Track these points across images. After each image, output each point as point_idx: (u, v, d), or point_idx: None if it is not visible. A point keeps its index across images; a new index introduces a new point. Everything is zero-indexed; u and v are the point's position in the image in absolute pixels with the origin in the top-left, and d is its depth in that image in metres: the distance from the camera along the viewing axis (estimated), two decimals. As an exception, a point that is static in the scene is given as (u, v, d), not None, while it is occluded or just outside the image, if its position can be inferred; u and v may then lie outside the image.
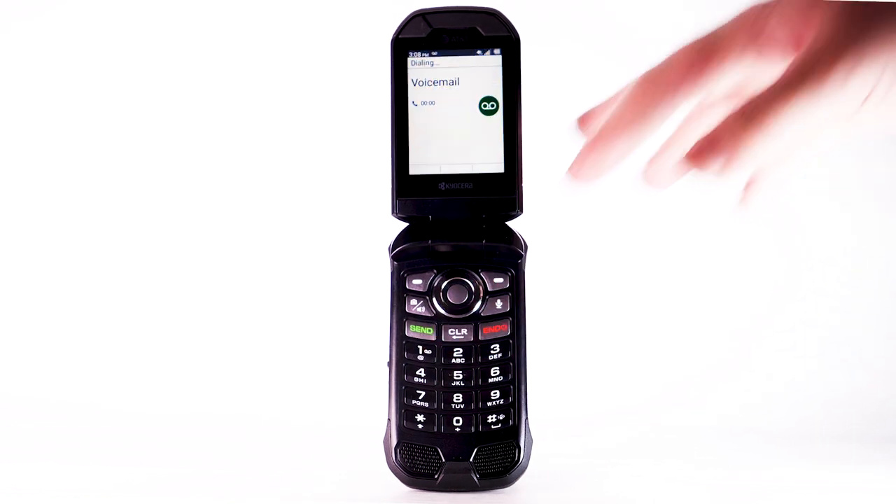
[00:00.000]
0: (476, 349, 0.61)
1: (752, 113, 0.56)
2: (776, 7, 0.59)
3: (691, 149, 0.58)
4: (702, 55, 0.61)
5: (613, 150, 0.61)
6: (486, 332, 0.61)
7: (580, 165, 0.63)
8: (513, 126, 0.62)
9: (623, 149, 0.61)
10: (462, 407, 0.61)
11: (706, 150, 0.57)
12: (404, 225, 0.63)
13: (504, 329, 0.61)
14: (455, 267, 0.61)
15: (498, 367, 0.61)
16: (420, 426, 0.61)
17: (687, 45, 0.62)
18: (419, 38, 0.62)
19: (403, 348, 0.61)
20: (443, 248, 0.62)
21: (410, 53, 0.62)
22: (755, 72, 0.61)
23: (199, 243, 1.02)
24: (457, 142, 0.62)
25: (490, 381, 0.61)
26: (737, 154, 0.56)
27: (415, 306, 0.61)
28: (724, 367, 0.99)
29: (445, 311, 0.61)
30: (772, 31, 0.59)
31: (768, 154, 0.57)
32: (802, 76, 0.55)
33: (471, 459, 0.60)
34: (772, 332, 1.00)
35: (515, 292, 0.61)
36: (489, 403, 0.61)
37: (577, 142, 0.64)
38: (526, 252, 0.62)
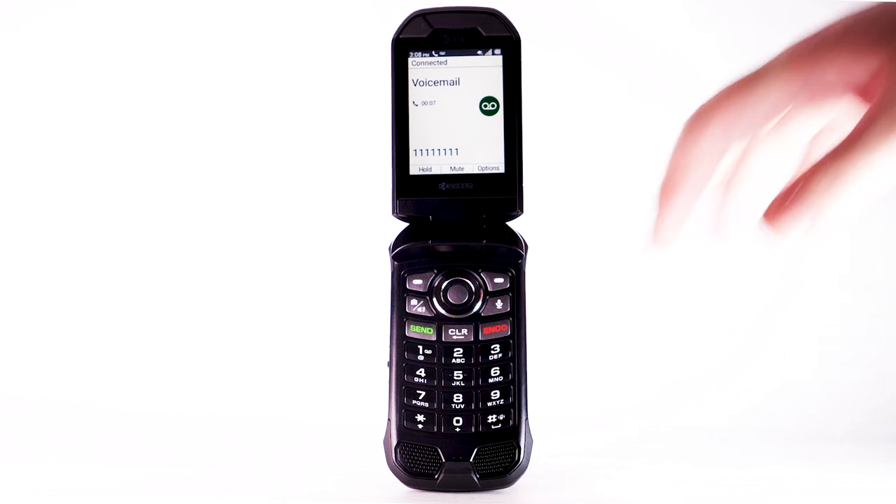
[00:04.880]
0: (476, 349, 0.61)
1: (838, 170, 0.52)
2: (833, 56, 0.54)
3: (768, 208, 0.54)
4: (744, 89, 0.56)
5: (682, 206, 0.57)
6: (486, 333, 0.61)
7: (658, 230, 0.60)
8: (513, 126, 0.62)
9: (690, 201, 0.57)
10: (462, 407, 0.61)
11: (787, 211, 0.53)
12: (405, 225, 0.63)
13: (504, 329, 0.61)
14: (455, 267, 0.61)
15: (498, 368, 0.61)
16: (420, 426, 0.61)
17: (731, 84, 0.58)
18: (420, 38, 0.62)
19: (404, 348, 0.61)
20: (443, 248, 0.62)
21: (411, 53, 0.62)
22: (811, 117, 0.57)
23: (200, 243, 1.02)
24: (457, 142, 0.62)
25: (490, 381, 0.61)
26: (823, 217, 0.52)
27: (415, 306, 0.62)
28: (724, 367, 0.99)
29: (446, 311, 0.61)
30: (829, 81, 0.54)
31: (853, 212, 0.53)
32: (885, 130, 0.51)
33: (471, 459, 0.60)
34: (772, 332, 1.00)
35: (516, 292, 0.61)
36: (489, 403, 0.61)
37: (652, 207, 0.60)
38: (526, 252, 0.62)
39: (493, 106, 0.62)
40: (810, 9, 1.03)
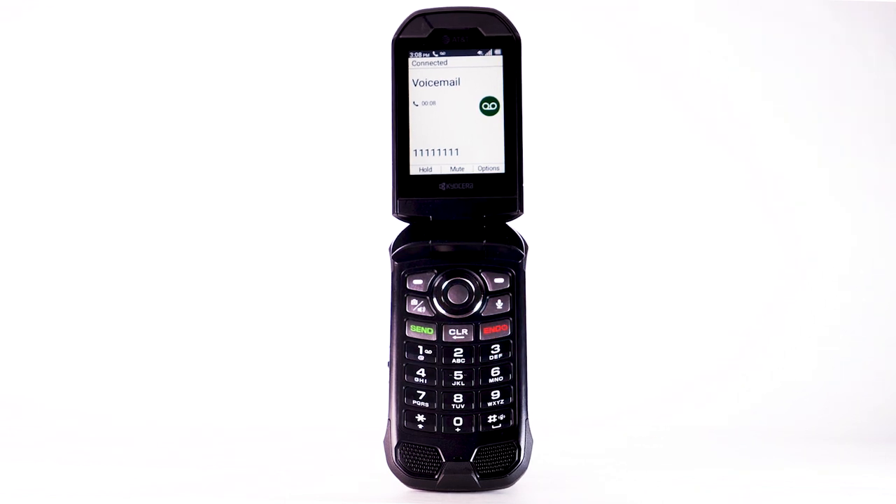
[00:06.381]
0: (476, 349, 0.61)
1: None
2: None
3: None
4: None
5: None
6: (486, 333, 0.61)
7: None
8: (513, 126, 0.62)
9: None
10: (462, 407, 0.61)
11: None
12: (405, 225, 0.63)
13: (504, 329, 0.61)
14: (455, 267, 0.61)
15: (498, 368, 0.61)
16: (420, 426, 0.60)
17: None
18: (420, 38, 0.62)
19: (404, 348, 0.61)
20: (443, 248, 0.62)
21: (411, 54, 0.62)
22: None
23: (200, 244, 1.02)
24: (457, 142, 0.62)
25: (490, 381, 0.61)
26: None
27: (415, 306, 0.61)
28: (725, 367, 0.99)
29: (446, 311, 0.61)
30: None
31: None
32: None
33: (471, 460, 0.60)
34: (772, 332, 1.00)
35: (516, 292, 0.61)
36: (489, 403, 0.61)
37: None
38: (526, 252, 0.62)
39: (493, 106, 0.62)
40: (812, 7, 1.03)
